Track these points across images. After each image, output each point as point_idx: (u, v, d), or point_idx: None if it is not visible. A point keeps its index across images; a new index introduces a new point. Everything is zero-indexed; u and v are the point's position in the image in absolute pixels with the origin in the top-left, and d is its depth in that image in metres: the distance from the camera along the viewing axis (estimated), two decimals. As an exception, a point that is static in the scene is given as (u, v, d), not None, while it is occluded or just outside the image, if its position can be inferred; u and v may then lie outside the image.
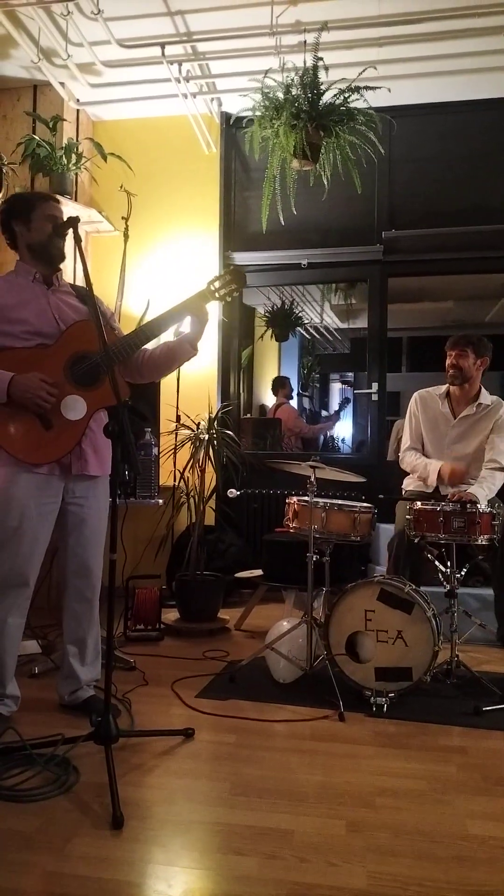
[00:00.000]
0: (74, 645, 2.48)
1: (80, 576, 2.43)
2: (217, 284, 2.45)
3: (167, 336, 2.98)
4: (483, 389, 3.44)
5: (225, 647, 3.36)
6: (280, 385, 6.61)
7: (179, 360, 2.57)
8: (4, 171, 4.20)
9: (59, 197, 4.10)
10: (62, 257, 2.41)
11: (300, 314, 6.83)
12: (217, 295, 2.45)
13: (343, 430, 8.79)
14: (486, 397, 3.42)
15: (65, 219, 2.32)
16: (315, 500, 2.84)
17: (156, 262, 4.69)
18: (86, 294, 2.34)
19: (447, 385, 3.45)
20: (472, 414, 3.39)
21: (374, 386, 4.58)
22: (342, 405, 7.75)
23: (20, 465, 2.26)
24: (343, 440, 8.55)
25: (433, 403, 3.47)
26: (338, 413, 7.71)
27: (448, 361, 3.39)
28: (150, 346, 2.54)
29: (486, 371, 3.42)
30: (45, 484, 2.31)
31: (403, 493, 3.54)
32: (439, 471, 3.31)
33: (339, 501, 3.00)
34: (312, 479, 2.85)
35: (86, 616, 2.47)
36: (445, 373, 3.41)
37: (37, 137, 4.23)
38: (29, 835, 1.72)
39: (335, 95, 3.59)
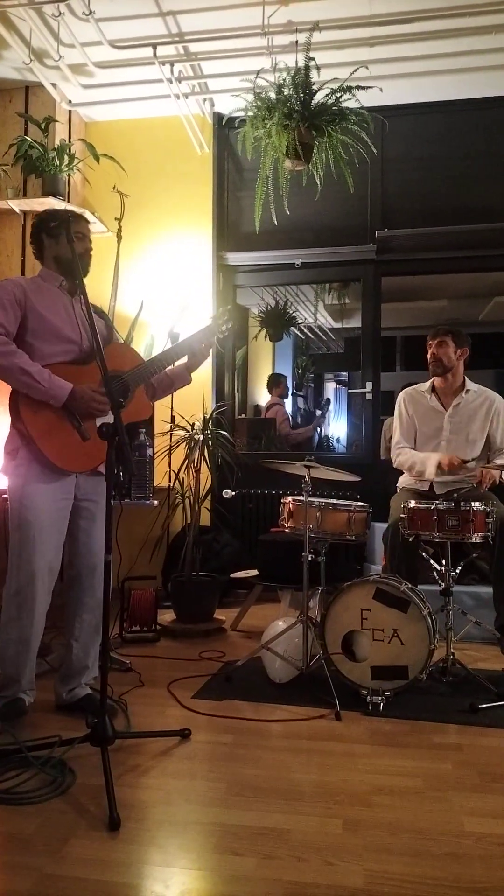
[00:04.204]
0: (86, 640, 2.52)
1: (94, 571, 2.49)
2: (220, 322, 2.72)
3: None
4: (467, 378, 3.47)
5: (221, 648, 3.36)
6: (275, 383, 6.53)
7: (176, 387, 2.76)
8: (-4, 172, 4.20)
9: (52, 199, 4.15)
10: (86, 272, 2.48)
11: (294, 314, 6.82)
12: (221, 331, 2.73)
13: (337, 429, 8.78)
14: (471, 384, 3.47)
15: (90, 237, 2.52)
16: (310, 499, 2.85)
17: (149, 262, 4.68)
18: (98, 310, 2.55)
19: (431, 380, 3.49)
20: (463, 402, 3.42)
21: (369, 385, 4.58)
22: (324, 407, 7.62)
23: (40, 464, 2.33)
24: (338, 439, 8.54)
25: (421, 399, 3.49)
26: (322, 416, 7.55)
27: (429, 353, 3.43)
28: None
29: (467, 361, 3.45)
30: (61, 482, 2.40)
31: (398, 489, 3.55)
32: (438, 462, 3.31)
33: (335, 501, 3.01)
34: (307, 478, 2.85)
35: (98, 609, 2.48)
36: (427, 365, 3.45)
37: (29, 139, 4.22)
38: (25, 837, 1.72)
39: (327, 95, 3.59)
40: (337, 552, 3.39)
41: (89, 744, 2.01)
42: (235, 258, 4.69)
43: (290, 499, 3.02)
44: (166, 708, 2.60)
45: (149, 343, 4.45)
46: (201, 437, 3.84)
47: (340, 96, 3.58)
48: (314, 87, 3.57)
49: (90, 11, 3.60)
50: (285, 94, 3.56)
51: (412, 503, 2.91)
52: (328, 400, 8.07)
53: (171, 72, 4.10)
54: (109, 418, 2.34)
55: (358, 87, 3.57)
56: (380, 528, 3.70)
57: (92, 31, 3.80)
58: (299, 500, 2.91)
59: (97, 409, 2.34)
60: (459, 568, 2.96)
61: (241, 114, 3.73)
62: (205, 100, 4.50)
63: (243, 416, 5.83)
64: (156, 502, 3.44)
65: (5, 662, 2.36)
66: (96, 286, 4.34)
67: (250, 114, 3.66)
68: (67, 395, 2.30)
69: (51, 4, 3.56)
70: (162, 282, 4.61)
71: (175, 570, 3.96)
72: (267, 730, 2.42)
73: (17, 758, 2.06)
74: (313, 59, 3.52)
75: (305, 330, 8.35)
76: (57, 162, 4.22)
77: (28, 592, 2.33)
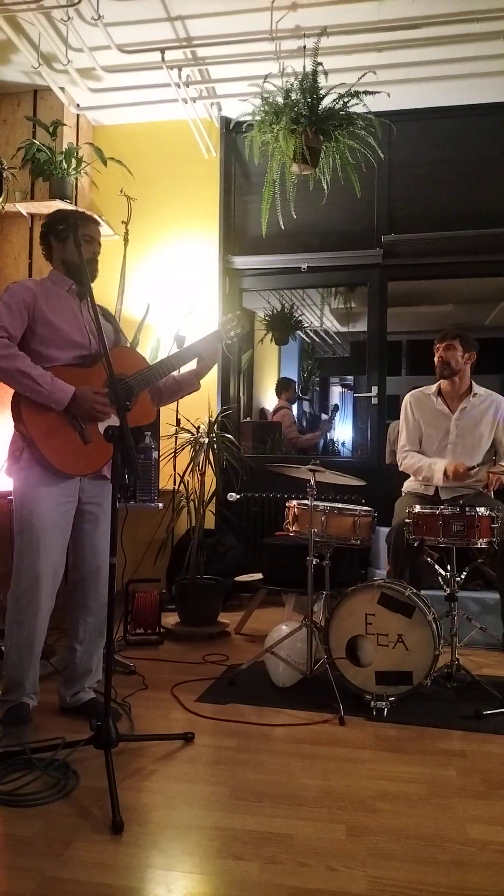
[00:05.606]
0: (89, 643, 2.51)
1: (98, 574, 2.49)
2: (228, 328, 2.69)
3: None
4: (474, 383, 3.47)
5: (225, 651, 3.36)
6: (285, 387, 6.53)
7: (183, 392, 2.75)
8: (5, 175, 4.21)
9: (60, 202, 4.16)
10: (94, 276, 2.48)
11: (300, 318, 6.82)
12: (229, 337, 2.69)
13: (343, 433, 8.77)
14: (478, 388, 3.47)
15: (100, 240, 2.50)
16: (315, 503, 2.84)
17: (156, 266, 4.69)
18: (106, 313, 2.55)
19: (437, 384, 3.49)
20: (469, 406, 3.42)
21: (374, 389, 4.58)
22: (332, 413, 7.61)
23: (42, 466, 2.33)
24: (343, 443, 8.54)
25: (428, 402, 3.49)
26: (329, 421, 7.53)
27: (437, 356, 3.43)
28: None
29: (474, 365, 3.45)
30: (65, 484, 2.40)
31: (404, 493, 3.54)
32: (444, 469, 3.32)
33: (339, 505, 3.00)
34: (312, 482, 2.85)
35: (102, 612, 2.49)
36: (434, 369, 3.45)
37: (37, 142, 4.24)
38: (28, 839, 1.72)
39: (335, 100, 3.60)
40: (341, 556, 3.38)
41: (93, 746, 2.00)
42: (242, 262, 4.70)
43: (294, 503, 3.01)
44: (170, 711, 2.60)
45: (155, 346, 4.46)
46: (206, 440, 3.84)
47: (348, 101, 3.59)
48: (322, 92, 3.58)
49: (99, 16, 3.62)
50: (293, 98, 3.57)
51: (417, 508, 2.90)
52: (336, 406, 8.05)
53: (179, 76, 4.12)
54: (113, 421, 2.35)
55: (365, 92, 3.58)
56: (384, 532, 3.70)
57: (100, 36, 3.82)
58: (304, 504, 2.91)
59: (99, 411, 2.34)
60: (464, 573, 2.95)
61: (249, 118, 3.74)
62: (212, 104, 4.51)
63: (249, 419, 5.84)
64: (160, 505, 3.44)
65: (9, 666, 2.37)
66: (103, 289, 4.32)
67: (258, 118, 3.68)
68: (70, 399, 2.30)
69: (60, 9, 3.58)
70: (168, 285, 4.62)
71: (179, 573, 3.96)
72: (270, 734, 2.41)
73: (20, 760, 2.06)
74: (321, 63, 3.53)
75: (311, 334, 8.35)
76: (64, 165, 4.24)
77: (32, 595, 2.33)
